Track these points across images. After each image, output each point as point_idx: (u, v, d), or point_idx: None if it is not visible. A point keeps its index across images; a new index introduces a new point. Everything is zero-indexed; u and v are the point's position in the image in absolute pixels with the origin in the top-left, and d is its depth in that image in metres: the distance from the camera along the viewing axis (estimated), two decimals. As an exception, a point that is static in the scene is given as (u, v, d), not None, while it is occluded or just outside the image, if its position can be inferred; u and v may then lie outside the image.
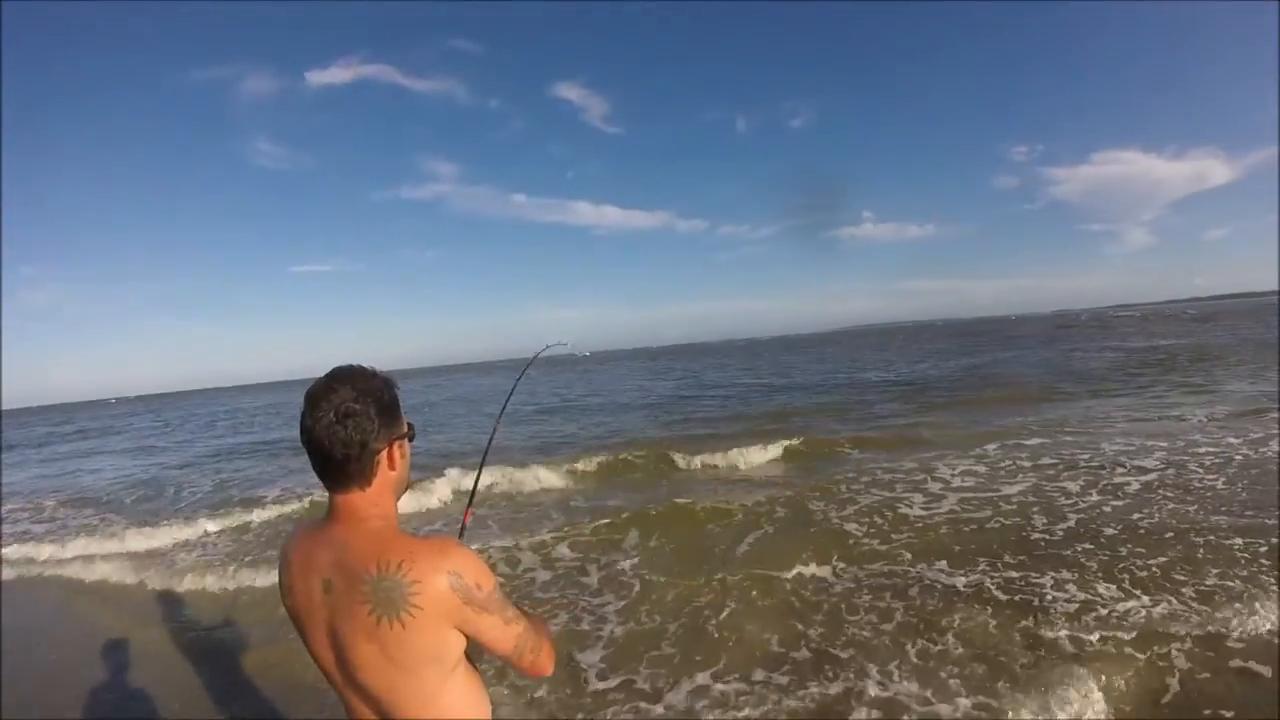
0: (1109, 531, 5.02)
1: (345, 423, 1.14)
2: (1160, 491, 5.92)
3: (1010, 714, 2.97)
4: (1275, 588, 3.83)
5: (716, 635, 3.98)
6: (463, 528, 1.68)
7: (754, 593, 4.50)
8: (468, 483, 8.16)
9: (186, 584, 5.88)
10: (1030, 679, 3.20)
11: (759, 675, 3.48)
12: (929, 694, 3.17)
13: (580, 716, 3.28)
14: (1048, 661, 3.35)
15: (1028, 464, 7.32)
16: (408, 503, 6.93)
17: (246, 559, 6.45)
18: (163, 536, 7.74)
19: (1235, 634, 3.45)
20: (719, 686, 3.42)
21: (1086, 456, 7.40)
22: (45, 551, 7.60)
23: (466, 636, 1.18)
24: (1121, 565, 4.38)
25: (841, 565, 4.86)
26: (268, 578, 5.57)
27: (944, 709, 3.06)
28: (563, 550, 5.83)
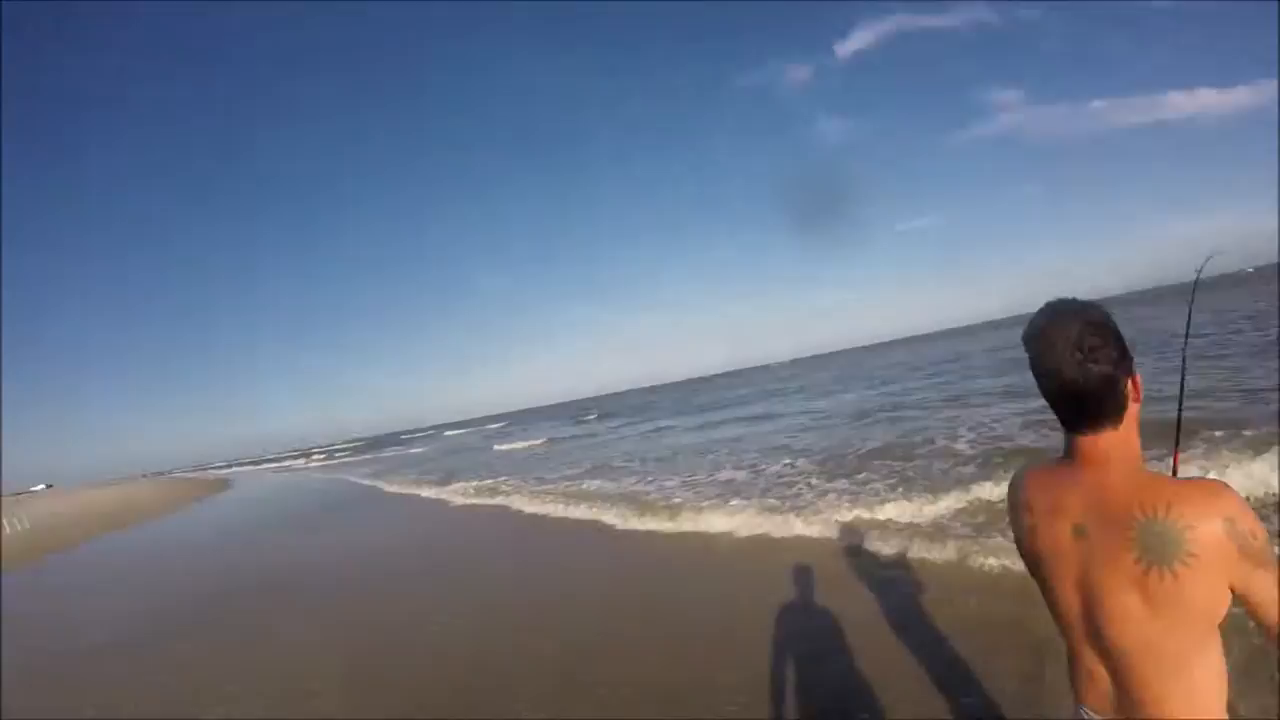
0: None
1: (1094, 355, 1.06)
2: None
3: None
4: None
5: None
6: (1174, 470, 1.51)
7: None
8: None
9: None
10: None
11: None
12: None
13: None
14: None
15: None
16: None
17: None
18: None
19: None
20: None
21: None
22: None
23: (1234, 594, 1.03)
24: None
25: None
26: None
27: None
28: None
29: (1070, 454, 1.15)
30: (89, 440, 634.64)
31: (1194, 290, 1.87)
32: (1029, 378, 1.16)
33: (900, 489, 7.44)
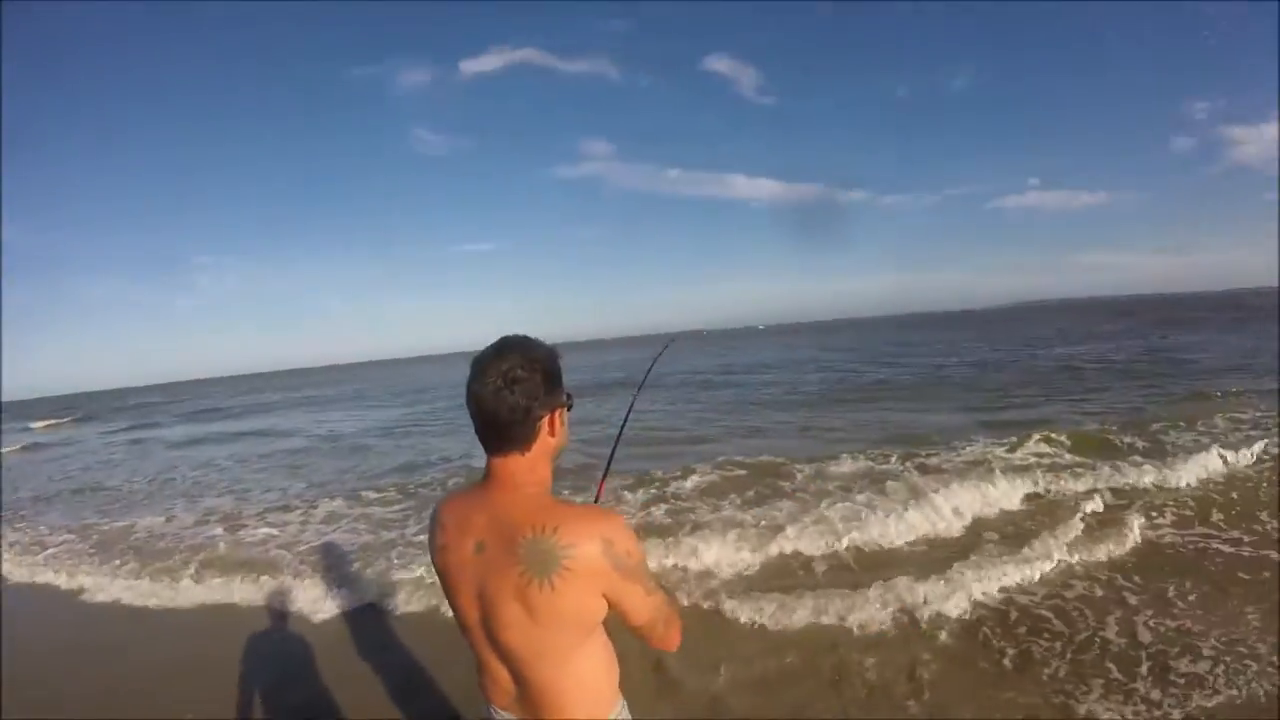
0: None
1: (512, 388, 1.17)
2: None
3: None
4: None
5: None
6: (597, 498, 1.68)
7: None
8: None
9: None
10: None
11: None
12: None
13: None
14: None
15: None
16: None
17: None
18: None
19: None
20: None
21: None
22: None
23: (609, 604, 1.21)
24: None
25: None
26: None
27: None
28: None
29: (485, 476, 1.25)
30: None
31: (647, 373, 2.37)
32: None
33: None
